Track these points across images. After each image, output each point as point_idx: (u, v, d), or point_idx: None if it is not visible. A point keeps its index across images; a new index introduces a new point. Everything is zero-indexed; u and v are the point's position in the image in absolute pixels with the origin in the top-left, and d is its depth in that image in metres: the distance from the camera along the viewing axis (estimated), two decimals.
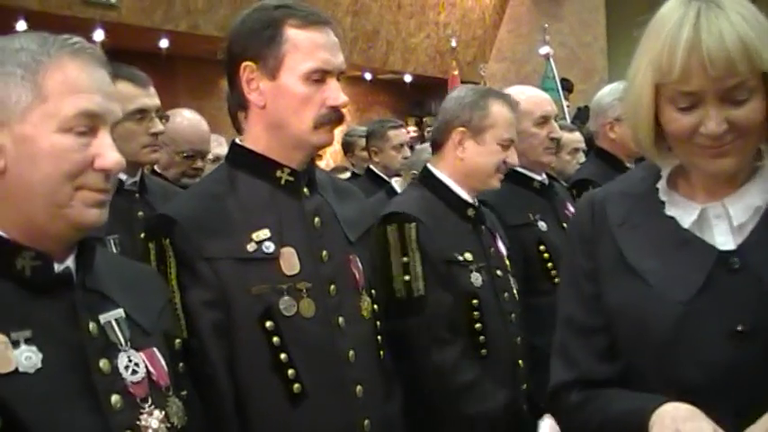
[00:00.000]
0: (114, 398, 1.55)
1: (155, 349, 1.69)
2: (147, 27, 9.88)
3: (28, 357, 1.47)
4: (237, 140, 2.29)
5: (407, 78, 14.87)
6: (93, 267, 1.63)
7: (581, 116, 9.07)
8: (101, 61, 1.59)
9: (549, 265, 3.36)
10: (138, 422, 1.58)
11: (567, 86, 9.75)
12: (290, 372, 2.11)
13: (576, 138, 5.08)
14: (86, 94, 1.53)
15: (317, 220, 2.24)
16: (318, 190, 2.30)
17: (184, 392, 1.76)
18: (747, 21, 1.61)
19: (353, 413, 2.19)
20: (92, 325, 1.57)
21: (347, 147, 7.07)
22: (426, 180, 3.10)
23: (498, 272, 3.05)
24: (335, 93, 2.19)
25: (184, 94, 11.08)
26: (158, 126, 3.06)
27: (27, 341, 1.47)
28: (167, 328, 1.80)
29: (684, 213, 1.74)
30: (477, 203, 3.09)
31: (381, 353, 2.33)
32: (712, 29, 1.59)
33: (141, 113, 3.00)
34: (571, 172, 4.76)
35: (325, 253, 2.22)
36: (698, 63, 1.58)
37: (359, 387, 2.20)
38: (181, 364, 1.81)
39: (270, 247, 2.15)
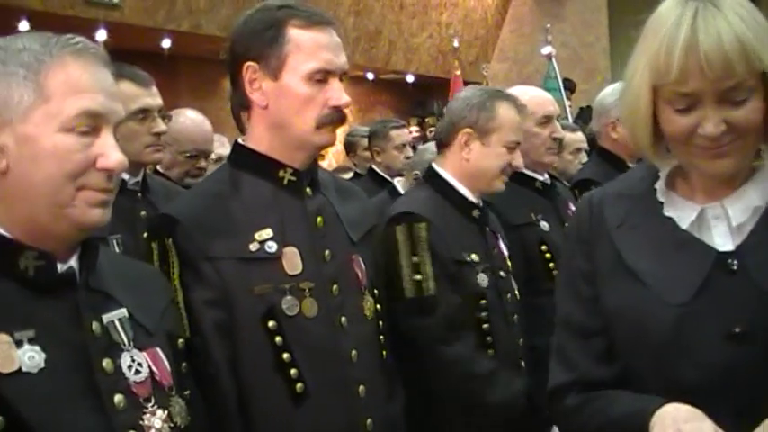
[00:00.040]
0: (117, 397, 1.55)
1: (158, 349, 1.69)
2: (149, 27, 9.88)
3: (31, 357, 1.47)
4: (240, 140, 2.29)
5: (410, 78, 14.87)
6: (97, 267, 1.63)
7: (583, 116, 9.07)
8: (103, 61, 1.60)
9: (551, 265, 3.36)
10: (141, 422, 1.58)
11: (570, 86, 9.77)
12: (293, 371, 2.11)
13: (578, 138, 5.07)
14: (89, 94, 1.54)
15: (319, 219, 2.24)
16: (321, 190, 2.31)
17: (187, 392, 1.76)
18: (745, 21, 1.59)
19: (356, 413, 2.19)
20: (95, 325, 1.57)
21: (349, 147, 7.07)
22: (432, 180, 3.10)
23: (501, 273, 3.05)
24: (338, 93, 2.19)
25: (186, 93, 11.08)
26: (161, 126, 3.06)
27: (30, 341, 1.47)
28: (170, 327, 1.80)
29: (683, 214, 1.73)
30: (481, 204, 3.09)
31: (384, 353, 2.33)
32: (709, 29, 1.58)
33: (144, 113, 3.00)
34: (573, 172, 4.76)
35: (327, 253, 2.22)
36: (695, 64, 1.57)
37: (361, 387, 2.20)
38: (184, 364, 1.81)
39: (272, 246, 2.15)
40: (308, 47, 2.16)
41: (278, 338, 2.11)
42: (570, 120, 7.84)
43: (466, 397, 2.85)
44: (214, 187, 2.26)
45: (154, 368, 1.65)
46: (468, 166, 3.05)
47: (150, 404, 1.62)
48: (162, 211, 2.28)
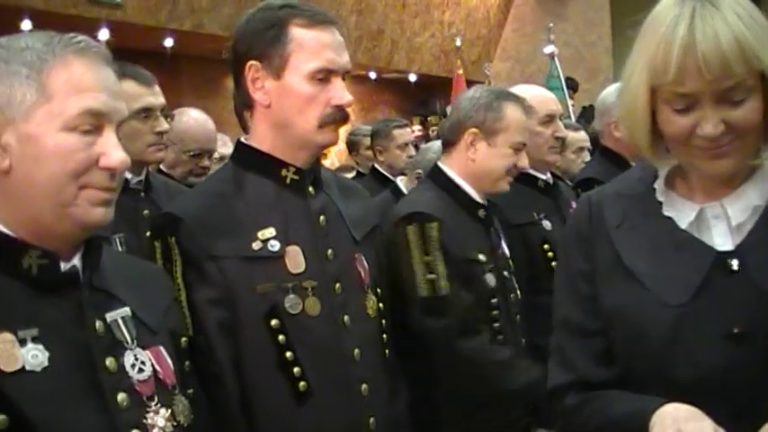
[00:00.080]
0: (121, 396, 1.56)
1: (161, 348, 1.69)
2: (151, 26, 9.88)
3: (35, 356, 1.47)
4: (243, 139, 2.29)
5: (412, 77, 14.86)
6: (100, 266, 1.63)
7: (586, 115, 9.06)
8: (106, 60, 1.59)
9: (554, 264, 3.35)
10: (144, 420, 1.58)
11: (572, 85, 9.74)
12: (296, 370, 2.11)
13: (580, 137, 5.06)
14: (91, 93, 1.53)
15: (322, 218, 2.24)
16: (324, 189, 2.31)
17: (190, 391, 1.76)
18: (743, 20, 1.58)
19: (359, 411, 2.19)
20: (98, 323, 1.57)
21: (352, 146, 7.08)
22: (437, 179, 3.09)
23: (505, 273, 3.05)
24: (340, 92, 2.19)
25: (189, 92, 11.08)
26: (163, 125, 3.06)
27: (34, 339, 1.48)
28: (173, 326, 1.80)
29: (682, 214, 1.73)
30: (486, 204, 3.09)
31: (386, 351, 2.33)
32: (707, 29, 1.56)
33: (146, 112, 3.00)
34: (576, 171, 4.75)
35: (330, 251, 2.22)
36: (693, 65, 1.56)
37: (364, 385, 2.20)
38: (187, 363, 1.81)
39: (275, 245, 2.15)
40: (311, 46, 2.16)
41: (281, 337, 2.11)
42: (573, 119, 7.83)
43: (489, 385, 2.85)
44: (217, 186, 2.26)
45: (157, 367, 1.65)
46: (474, 166, 3.05)
47: (153, 403, 1.62)
48: (165, 210, 2.28)
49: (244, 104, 2.26)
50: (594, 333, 1.79)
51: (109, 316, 1.60)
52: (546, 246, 3.38)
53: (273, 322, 2.11)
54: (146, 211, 2.96)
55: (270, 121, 2.21)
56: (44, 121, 1.50)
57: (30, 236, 1.53)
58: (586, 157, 4.99)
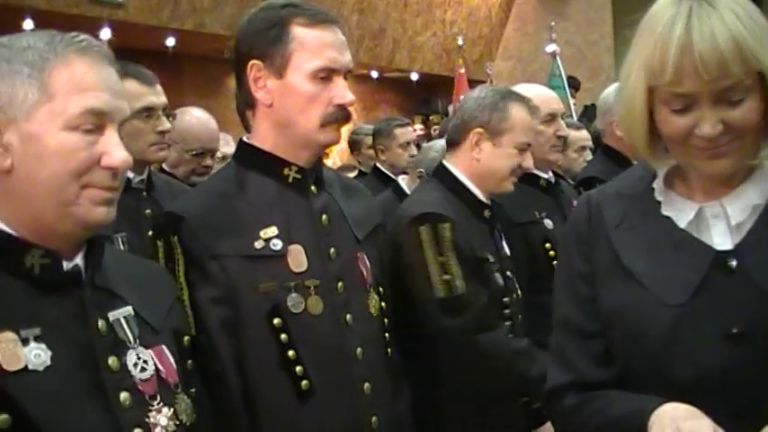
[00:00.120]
0: (123, 395, 1.56)
1: (163, 347, 1.69)
2: (153, 25, 9.88)
3: (37, 355, 1.47)
4: (245, 138, 2.29)
5: (414, 76, 14.86)
6: (102, 265, 1.63)
7: (588, 114, 9.05)
8: (108, 59, 1.59)
9: (555, 263, 3.35)
10: (147, 419, 1.58)
11: (574, 84, 9.74)
12: (298, 369, 2.12)
13: (582, 136, 5.06)
14: (93, 92, 1.53)
15: (324, 217, 2.24)
16: (326, 188, 2.31)
17: (193, 390, 1.77)
18: (741, 19, 1.57)
19: (361, 410, 2.19)
20: (101, 322, 1.57)
21: (354, 145, 7.08)
22: (443, 178, 3.09)
23: (508, 273, 3.06)
24: (342, 91, 2.19)
25: (191, 92, 11.08)
26: (165, 124, 3.06)
27: (36, 339, 1.47)
28: (176, 325, 1.80)
29: (681, 213, 1.72)
30: (491, 205, 3.09)
31: (389, 350, 2.33)
32: (704, 29, 1.55)
33: (148, 112, 3.01)
34: (578, 170, 4.75)
35: (332, 250, 2.23)
36: (690, 65, 1.55)
37: (366, 384, 2.20)
38: (189, 362, 1.81)
39: (277, 244, 2.15)
40: (312, 45, 2.16)
41: (283, 336, 2.11)
42: (575, 118, 7.82)
43: (510, 375, 2.85)
44: (219, 185, 2.26)
45: (159, 366, 1.65)
46: (479, 166, 3.05)
47: (156, 402, 1.62)
48: (167, 209, 2.28)
49: (246, 104, 2.26)
50: (593, 334, 1.78)
51: (111, 315, 1.60)
52: (547, 245, 3.38)
53: (276, 321, 2.11)
54: (148, 211, 2.96)
55: (272, 121, 2.21)
56: (46, 120, 1.50)
57: (32, 235, 1.53)
58: (588, 155, 4.99)
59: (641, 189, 1.80)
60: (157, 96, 3.06)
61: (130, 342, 1.62)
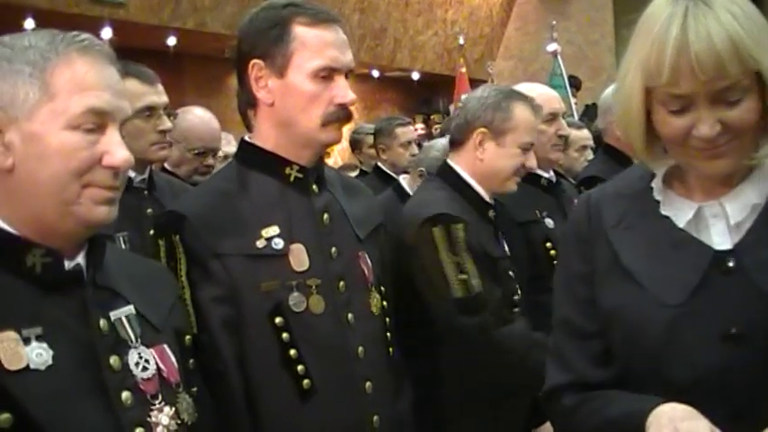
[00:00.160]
0: (125, 395, 1.56)
1: (165, 346, 1.69)
2: (154, 25, 9.89)
3: (39, 354, 1.47)
4: (247, 138, 2.30)
5: (415, 76, 14.86)
6: (104, 264, 1.63)
7: (589, 113, 9.04)
8: (109, 58, 1.59)
9: (556, 262, 3.35)
10: (148, 419, 1.58)
11: (575, 84, 9.74)
12: (300, 368, 2.12)
13: (583, 135, 5.06)
14: (95, 92, 1.53)
15: (326, 216, 2.24)
16: (327, 187, 2.31)
17: (194, 389, 1.77)
18: (738, 18, 1.55)
19: (362, 409, 2.19)
20: (102, 322, 1.57)
21: (355, 144, 7.08)
22: (448, 178, 3.09)
23: (510, 273, 3.06)
24: (343, 90, 2.19)
25: (192, 91, 11.09)
26: (166, 123, 3.07)
27: (38, 338, 1.47)
28: (178, 324, 1.80)
29: (680, 212, 1.71)
30: (494, 205, 3.09)
31: (391, 349, 2.33)
32: (700, 29, 1.54)
33: (149, 111, 3.01)
34: (579, 169, 4.75)
35: (334, 250, 2.23)
36: (686, 66, 1.54)
37: (368, 383, 2.21)
38: (191, 361, 1.81)
39: (279, 243, 2.15)
40: (314, 44, 2.16)
41: (285, 335, 2.11)
42: (576, 117, 7.82)
43: (527, 366, 2.85)
44: (221, 184, 2.26)
45: (161, 365, 1.66)
46: (482, 166, 3.04)
47: (157, 401, 1.62)
48: (169, 208, 2.28)
49: (247, 103, 2.26)
50: (592, 335, 1.78)
51: (113, 314, 1.61)
52: (548, 244, 3.38)
53: (278, 320, 2.11)
54: (149, 210, 2.97)
55: (273, 120, 2.21)
56: (47, 119, 1.50)
57: (33, 234, 1.53)
58: (589, 155, 4.98)
59: (640, 188, 1.79)
60: (158, 96, 3.07)
61: (132, 341, 1.62)
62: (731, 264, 1.65)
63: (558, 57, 8.66)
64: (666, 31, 1.56)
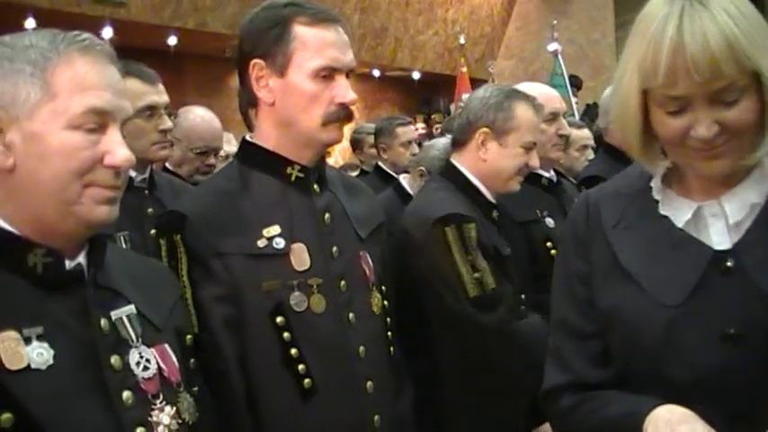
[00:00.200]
0: (126, 394, 1.56)
1: (166, 345, 1.69)
2: (155, 24, 9.90)
3: (40, 354, 1.47)
4: (248, 137, 2.30)
5: (416, 75, 14.87)
6: (105, 264, 1.63)
7: (590, 113, 9.05)
8: (110, 58, 1.59)
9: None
10: (149, 418, 1.59)
11: (576, 83, 9.74)
12: (301, 367, 2.12)
13: (584, 134, 5.06)
14: (96, 91, 1.53)
15: (327, 216, 2.24)
16: (329, 187, 2.31)
17: (195, 388, 1.76)
18: (734, 18, 1.54)
19: (364, 409, 2.19)
20: (103, 321, 1.57)
21: (356, 144, 7.08)
22: (453, 178, 3.08)
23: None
24: (344, 90, 2.19)
25: (192, 91, 11.10)
26: (167, 123, 3.07)
27: (39, 338, 1.48)
28: (179, 324, 1.80)
29: (679, 212, 1.71)
30: (497, 205, 3.09)
31: (392, 349, 2.33)
32: (696, 30, 1.53)
33: (150, 110, 3.01)
34: (580, 169, 4.75)
35: (335, 249, 2.23)
36: (682, 67, 1.53)
37: (369, 383, 2.21)
38: (192, 360, 1.81)
39: (280, 242, 2.15)
40: (314, 44, 2.16)
41: (286, 334, 2.11)
42: (577, 116, 7.82)
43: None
44: (222, 184, 2.26)
45: (162, 365, 1.65)
46: (485, 166, 3.04)
47: (158, 401, 1.62)
48: (170, 208, 2.28)
49: (248, 103, 2.26)
50: (591, 335, 1.77)
51: (114, 314, 1.61)
52: (548, 243, 3.38)
53: (279, 319, 2.11)
54: (150, 210, 2.97)
55: (274, 120, 2.22)
56: (48, 119, 1.50)
57: (34, 234, 1.53)
58: (590, 154, 4.98)
59: (639, 188, 1.79)
60: (159, 95, 3.07)
61: (133, 341, 1.62)
62: (730, 264, 1.64)
63: (559, 56, 8.66)
64: (662, 32, 1.55)
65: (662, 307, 1.65)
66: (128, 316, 1.63)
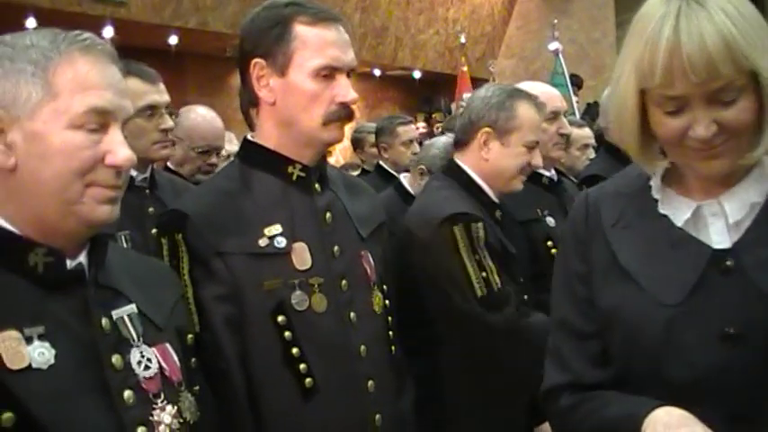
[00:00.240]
0: (127, 393, 1.56)
1: (167, 344, 1.69)
2: (156, 24, 9.90)
3: (41, 353, 1.47)
4: (249, 137, 2.30)
5: (416, 74, 14.87)
6: (106, 263, 1.63)
7: (590, 112, 9.06)
8: (111, 57, 1.59)
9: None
10: (150, 417, 1.58)
11: (577, 82, 9.74)
12: (302, 366, 2.12)
13: (585, 134, 5.06)
14: (97, 91, 1.53)
15: (328, 215, 2.24)
16: (330, 186, 2.31)
17: (197, 387, 1.77)
18: (731, 17, 1.53)
19: (365, 408, 2.19)
20: (104, 321, 1.57)
21: (356, 143, 7.08)
22: (457, 177, 3.08)
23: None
24: (345, 89, 2.19)
25: (193, 90, 11.10)
26: (168, 122, 3.07)
27: (40, 337, 1.48)
28: (180, 323, 1.80)
29: (678, 211, 1.70)
30: (500, 205, 3.09)
31: (393, 348, 2.33)
32: (692, 30, 1.52)
33: (151, 110, 3.01)
34: (580, 168, 4.75)
35: (336, 248, 2.23)
36: (679, 68, 1.52)
37: (370, 382, 2.21)
38: (193, 360, 1.81)
39: (281, 242, 2.15)
40: (314, 43, 2.16)
41: (287, 333, 2.11)
42: (577, 115, 7.82)
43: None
44: (224, 183, 2.26)
45: (163, 364, 1.65)
46: (487, 166, 3.04)
47: (160, 400, 1.62)
48: (171, 207, 2.29)
49: (249, 102, 2.26)
50: (590, 335, 1.77)
51: (115, 313, 1.61)
52: (549, 242, 3.38)
53: (280, 319, 2.11)
54: (151, 209, 2.97)
55: (275, 119, 2.22)
56: (50, 119, 1.50)
57: (35, 234, 1.53)
58: (591, 153, 4.99)
59: (639, 187, 1.78)
60: (160, 95, 3.07)
61: (134, 340, 1.62)
62: (730, 263, 1.63)
63: (560, 55, 8.67)
64: (659, 32, 1.55)
65: (661, 306, 1.65)
66: (129, 315, 1.63)
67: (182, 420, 1.65)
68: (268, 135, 2.24)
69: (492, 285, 2.82)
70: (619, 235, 1.75)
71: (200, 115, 4.06)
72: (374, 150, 6.43)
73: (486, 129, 3.03)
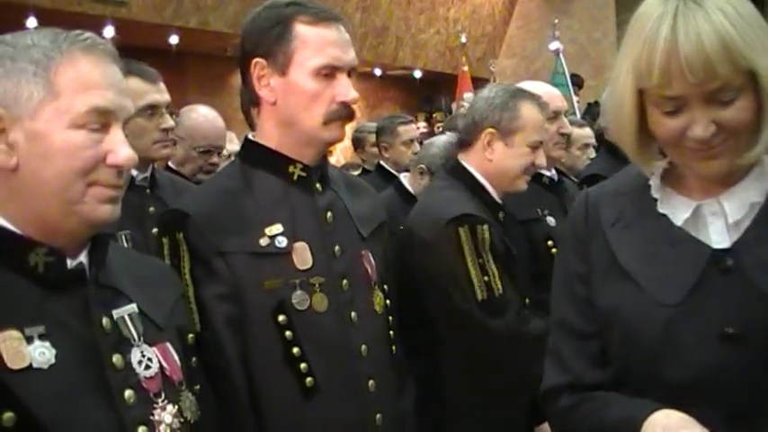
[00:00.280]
0: (128, 393, 1.56)
1: (168, 344, 1.69)
2: (156, 23, 9.90)
3: (41, 353, 1.47)
4: (250, 136, 2.30)
5: (417, 74, 14.86)
6: (106, 263, 1.63)
7: (591, 112, 9.04)
8: (113, 57, 1.59)
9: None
10: (151, 417, 1.58)
11: (577, 82, 9.73)
12: (303, 366, 2.12)
13: (586, 133, 5.06)
14: (98, 91, 1.53)
15: (329, 215, 2.24)
16: (331, 185, 2.31)
17: (197, 387, 1.77)
18: (729, 17, 1.53)
19: (365, 407, 2.19)
20: (105, 320, 1.57)
21: (357, 143, 7.08)
22: (462, 177, 3.08)
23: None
24: (346, 89, 2.19)
25: (194, 90, 11.10)
26: (169, 122, 3.07)
27: (41, 337, 1.47)
28: (181, 322, 1.80)
29: (677, 211, 1.70)
30: (503, 206, 3.09)
31: (393, 348, 2.33)
32: (690, 30, 1.52)
33: (152, 109, 3.01)
34: (581, 167, 4.75)
35: (337, 248, 2.23)
36: (677, 68, 1.52)
37: (371, 382, 2.21)
38: (194, 359, 1.81)
39: (282, 241, 2.15)
40: (315, 43, 2.16)
41: (288, 333, 2.11)
42: (578, 115, 7.82)
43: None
44: (225, 183, 2.26)
45: (164, 363, 1.65)
46: (491, 166, 3.04)
47: (160, 399, 1.62)
48: (172, 207, 2.29)
49: (250, 101, 2.26)
50: (590, 336, 1.77)
51: (115, 313, 1.61)
52: (549, 242, 3.38)
53: (281, 318, 2.11)
54: (151, 208, 2.97)
55: (276, 118, 2.22)
56: (51, 118, 1.51)
57: (36, 233, 1.53)
58: (591, 153, 4.99)
59: (638, 186, 1.78)
60: (161, 94, 3.07)
61: (135, 340, 1.62)
62: (729, 263, 1.63)
63: (561, 55, 8.67)
64: (656, 32, 1.54)
65: (660, 306, 1.65)
66: (129, 315, 1.63)
67: (182, 420, 1.65)
68: (269, 135, 2.24)
69: (493, 290, 2.82)
70: (618, 234, 1.75)
71: (202, 115, 4.07)
72: (375, 150, 6.43)
73: (490, 129, 3.03)
